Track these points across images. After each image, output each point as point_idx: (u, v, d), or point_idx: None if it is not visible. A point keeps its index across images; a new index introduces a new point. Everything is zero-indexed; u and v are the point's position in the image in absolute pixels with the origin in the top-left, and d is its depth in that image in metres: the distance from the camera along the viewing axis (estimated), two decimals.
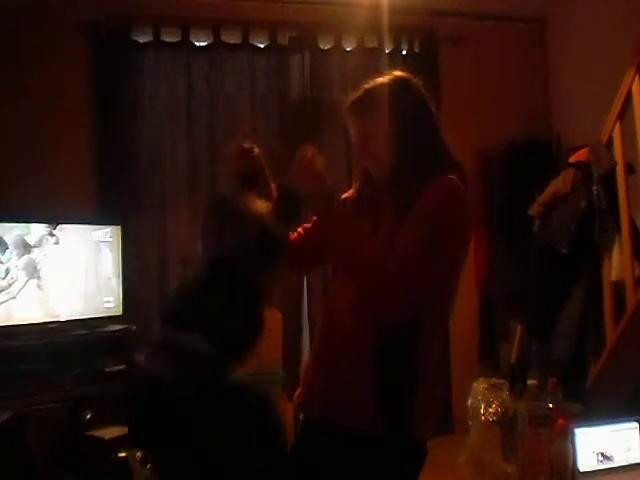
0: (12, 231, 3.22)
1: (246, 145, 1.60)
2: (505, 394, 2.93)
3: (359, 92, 1.58)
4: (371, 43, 4.26)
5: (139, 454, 3.04)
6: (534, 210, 3.42)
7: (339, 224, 1.41)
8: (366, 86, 1.58)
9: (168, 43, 3.98)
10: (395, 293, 1.34)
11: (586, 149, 3.29)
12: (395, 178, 1.50)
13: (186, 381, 1.27)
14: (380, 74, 1.61)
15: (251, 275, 1.42)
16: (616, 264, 3.11)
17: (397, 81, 1.58)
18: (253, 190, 1.53)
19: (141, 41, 3.94)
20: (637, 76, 2.97)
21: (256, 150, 1.60)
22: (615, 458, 2.26)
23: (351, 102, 1.57)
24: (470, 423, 3.03)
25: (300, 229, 1.74)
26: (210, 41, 4.04)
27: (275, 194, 1.59)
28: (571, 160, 3.38)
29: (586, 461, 2.23)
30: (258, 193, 1.52)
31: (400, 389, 1.38)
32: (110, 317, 3.54)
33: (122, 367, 3.33)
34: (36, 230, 3.29)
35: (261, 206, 1.51)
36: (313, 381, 1.54)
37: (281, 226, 1.48)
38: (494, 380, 3.07)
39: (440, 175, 1.46)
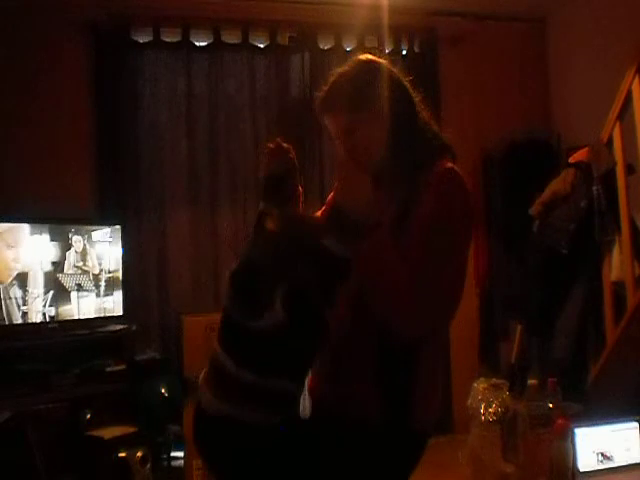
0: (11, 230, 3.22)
1: (283, 146, 1.55)
2: (505, 394, 2.93)
3: (329, 86, 1.48)
4: (371, 43, 4.25)
5: (139, 454, 3.05)
6: (534, 210, 3.42)
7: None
8: (334, 79, 1.49)
9: (168, 43, 3.97)
10: (415, 309, 1.32)
11: (586, 149, 3.29)
12: (389, 171, 1.44)
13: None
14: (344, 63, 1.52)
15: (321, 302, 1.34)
16: (616, 264, 3.11)
17: (367, 66, 1.48)
18: (282, 190, 1.49)
19: (141, 41, 3.94)
20: (637, 76, 2.97)
21: (292, 153, 1.55)
22: (615, 458, 2.27)
23: (324, 99, 1.48)
24: (470, 423, 3.03)
25: None
26: (210, 41, 4.04)
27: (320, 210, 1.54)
28: (571, 160, 3.38)
29: (586, 461, 2.23)
30: (286, 194, 1.48)
31: (401, 384, 1.39)
32: (110, 317, 3.55)
33: (122, 367, 3.34)
34: (36, 230, 3.29)
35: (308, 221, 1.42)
36: (320, 371, 1.55)
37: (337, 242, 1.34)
38: (494, 380, 3.07)
39: (435, 162, 1.42)
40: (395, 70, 1.50)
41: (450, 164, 1.44)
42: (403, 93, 1.48)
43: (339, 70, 1.50)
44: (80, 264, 3.46)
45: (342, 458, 1.40)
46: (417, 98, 1.50)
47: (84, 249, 3.48)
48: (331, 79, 1.50)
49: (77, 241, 3.46)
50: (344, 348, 1.45)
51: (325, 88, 1.50)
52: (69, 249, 3.42)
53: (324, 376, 1.54)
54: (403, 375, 1.39)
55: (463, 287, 1.41)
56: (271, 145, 1.56)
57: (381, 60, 1.51)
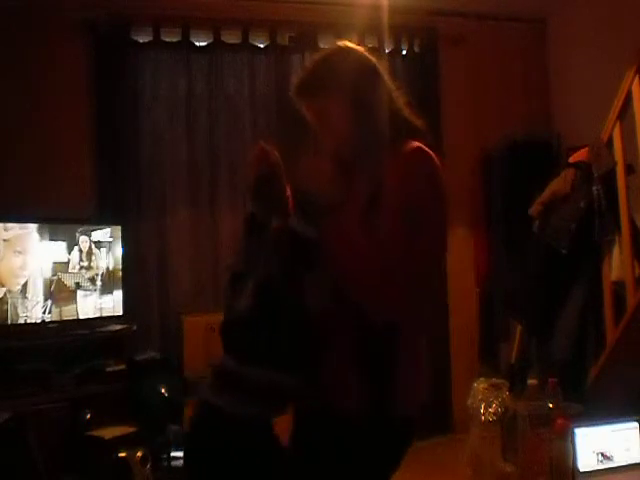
0: (11, 231, 3.22)
1: (266, 149, 1.57)
2: (505, 394, 2.94)
3: (303, 73, 1.55)
4: (371, 43, 4.25)
5: (139, 454, 3.05)
6: (534, 210, 3.43)
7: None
8: (308, 65, 1.56)
9: (168, 43, 3.98)
10: (390, 291, 1.34)
11: (586, 149, 3.29)
12: (359, 153, 1.48)
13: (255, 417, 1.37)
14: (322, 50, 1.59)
15: (296, 289, 1.39)
16: (616, 264, 3.11)
17: (338, 53, 1.54)
18: (269, 194, 1.50)
19: (141, 41, 3.94)
20: (637, 76, 2.97)
21: (276, 155, 1.57)
22: (615, 458, 2.26)
23: (297, 86, 1.54)
24: (470, 423, 3.03)
25: None
26: (210, 41, 4.04)
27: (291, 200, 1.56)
28: (571, 160, 3.38)
29: (586, 461, 2.23)
30: (274, 198, 1.49)
31: (382, 370, 1.40)
32: (110, 317, 3.55)
33: (122, 367, 3.34)
34: (36, 230, 3.29)
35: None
36: None
37: (305, 229, 1.42)
38: (494, 380, 3.07)
39: (404, 143, 1.44)
40: (372, 58, 1.54)
41: (418, 143, 1.44)
42: (376, 79, 1.51)
43: (316, 56, 1.56)
44: (84, 264, 3.46)
45: (329, 447, 1.41)
46: (392, 85, 1.54)
47: (89, 249, 3.48)
48: (308, 65, 1.56)
49: (84, 241, 3.46)
50: (324, 335, 1.45)
51: (300, 74, 1.56)
52: (72, 249, 3.42)
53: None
54: (384, 360, 1.40)
55: (437, 266, 1.43)
56: (254, 150, 1.58)
57: (357, 47, 1.55)
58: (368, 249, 1.36)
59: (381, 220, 1.37)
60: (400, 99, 1.54)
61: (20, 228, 3.25)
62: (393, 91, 1.53)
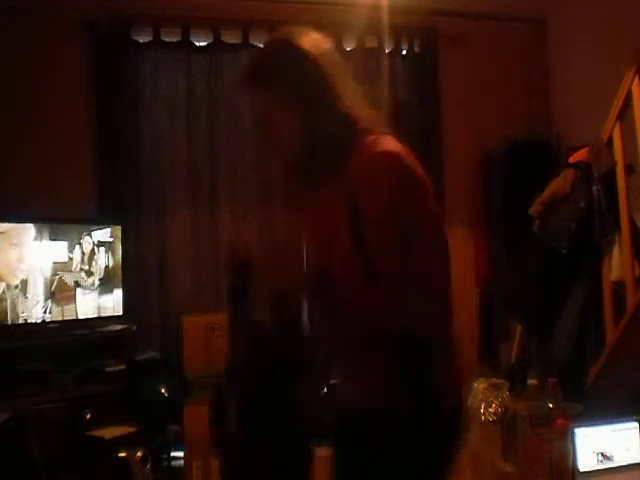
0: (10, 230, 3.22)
1: (235, 257, 1.48)
2: (505, 394, 2.94)
3: (245, 67, 1.46)
4: (371, 43, 4.25)
5: (139, 454, 3.05)
6: (534, 210, 3.43)
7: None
8: (251, 56, 1.49)
9: (168, 43, 3.98)
10: (420, 304, 1.29)
11: (586, 149, 3.29)
12: (313, 156, 1.37)
13: None
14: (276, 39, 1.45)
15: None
16: (616, 264, 3.11)
17: (279, 43, 1.41)
18: (247, 295, 1.45)
19: (141, 41, 3.94)
20: (637, 76, 2.97)
21: (244, 257, 1.46)
22: (615, 458, 2.27)
23: (241, 80, 1.43)
24: (470, 423, 3.03)
25: None
26: (210, 41, 4.04)
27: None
28: (571, 160, 3.38)
29: (586, 461, 2.23)
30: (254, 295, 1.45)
31: (421, 367, 1.34)
32: (110, 317, 3.55)
33: (122, 367, 3.34)
34: (36, 229, 3.29)
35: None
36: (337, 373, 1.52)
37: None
38: (494, 380, 3.07)
39: (364, 140, 1.33)
40: (312, 48, 1.39)
41: (384, 144, 1.32)
42: (320, 72, 1.36)
43: (259, 48, 1.50)
44: (85, 264, 3.46)
45: (388, 452, 1.34)
46: (339, 80, 1.39)
47: (92, 250, 3.48)
48: (251, 57, 1.51)
49: (87, 242, 3.46)
50: (356, 345, 1.40)
51: (245, 68, 1.48)
52: (73, 249, 3.42)
53: (342, 377, 1.49)
54: (422, 357, 1.34)
55: (440, 270, 1.35)
56: (227, 250, 1.52)
57: (297, 38, 1.40)
58: (369, 286, 1.28)
59: (369, 239, 1.27)
60: (357, 91, 1.41)
61: (26, 228, 3.25)
62: (339, 85, 1.38)
